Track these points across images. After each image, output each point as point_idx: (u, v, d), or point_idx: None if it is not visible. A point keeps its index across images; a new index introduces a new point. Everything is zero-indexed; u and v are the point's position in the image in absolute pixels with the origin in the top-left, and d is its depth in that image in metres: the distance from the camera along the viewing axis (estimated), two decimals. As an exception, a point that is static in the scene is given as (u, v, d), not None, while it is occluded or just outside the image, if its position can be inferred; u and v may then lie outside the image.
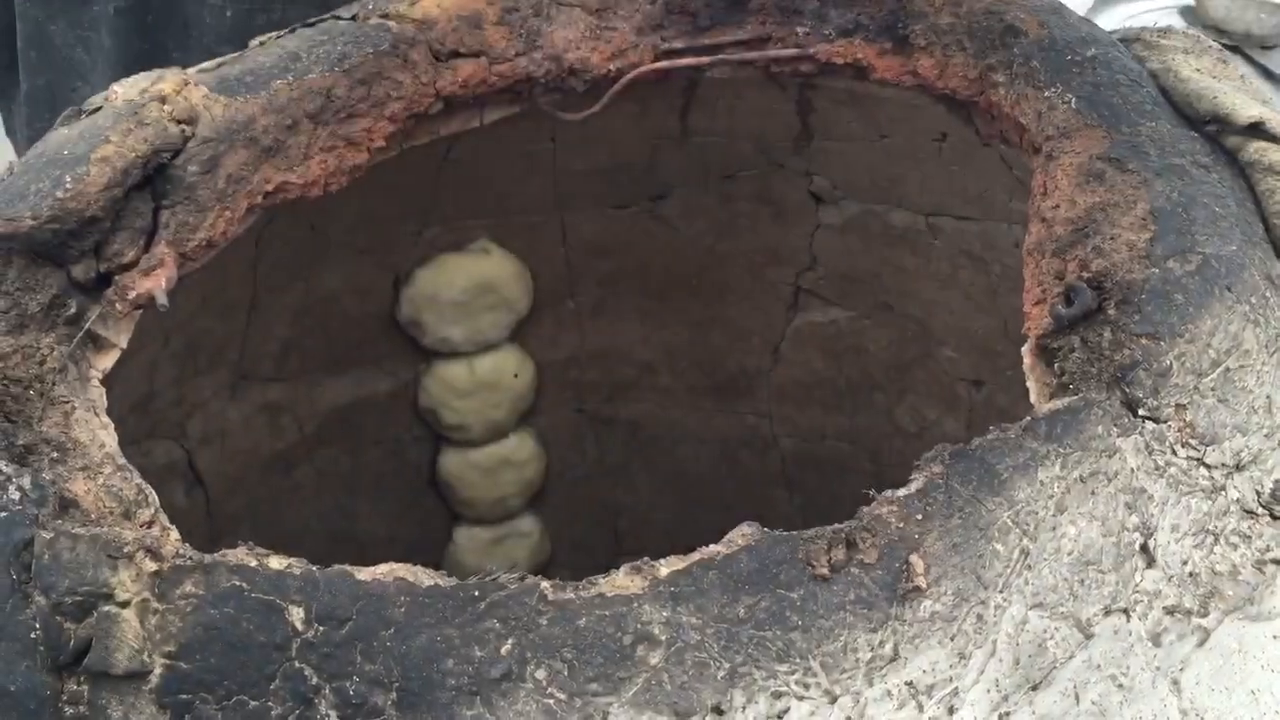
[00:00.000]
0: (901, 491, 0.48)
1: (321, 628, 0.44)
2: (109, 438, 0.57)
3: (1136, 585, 0.49)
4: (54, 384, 0.58)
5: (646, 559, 0.46)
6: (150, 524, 0.52)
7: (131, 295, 0.63)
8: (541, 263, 1.10)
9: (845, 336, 1.13)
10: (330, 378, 1.09)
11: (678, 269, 1.13)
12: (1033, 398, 0.59)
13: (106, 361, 0.64)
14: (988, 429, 1.11)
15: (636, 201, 1.07)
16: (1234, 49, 1.49)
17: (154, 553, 0.46)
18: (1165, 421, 0.52)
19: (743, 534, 0.47)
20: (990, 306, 1.03)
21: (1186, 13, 1.58)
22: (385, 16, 0.79)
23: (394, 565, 0.46)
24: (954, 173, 0.96)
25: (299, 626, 0.44)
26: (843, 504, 1.27)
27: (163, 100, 0.71)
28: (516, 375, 1.13)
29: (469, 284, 1.05)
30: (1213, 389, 0.53)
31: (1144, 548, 0.50)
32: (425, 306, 1.06)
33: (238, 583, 0.45)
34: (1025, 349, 0.60)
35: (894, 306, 1.08)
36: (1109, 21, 1.56)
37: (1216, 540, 0.52)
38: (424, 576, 0.46)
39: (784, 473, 1.23)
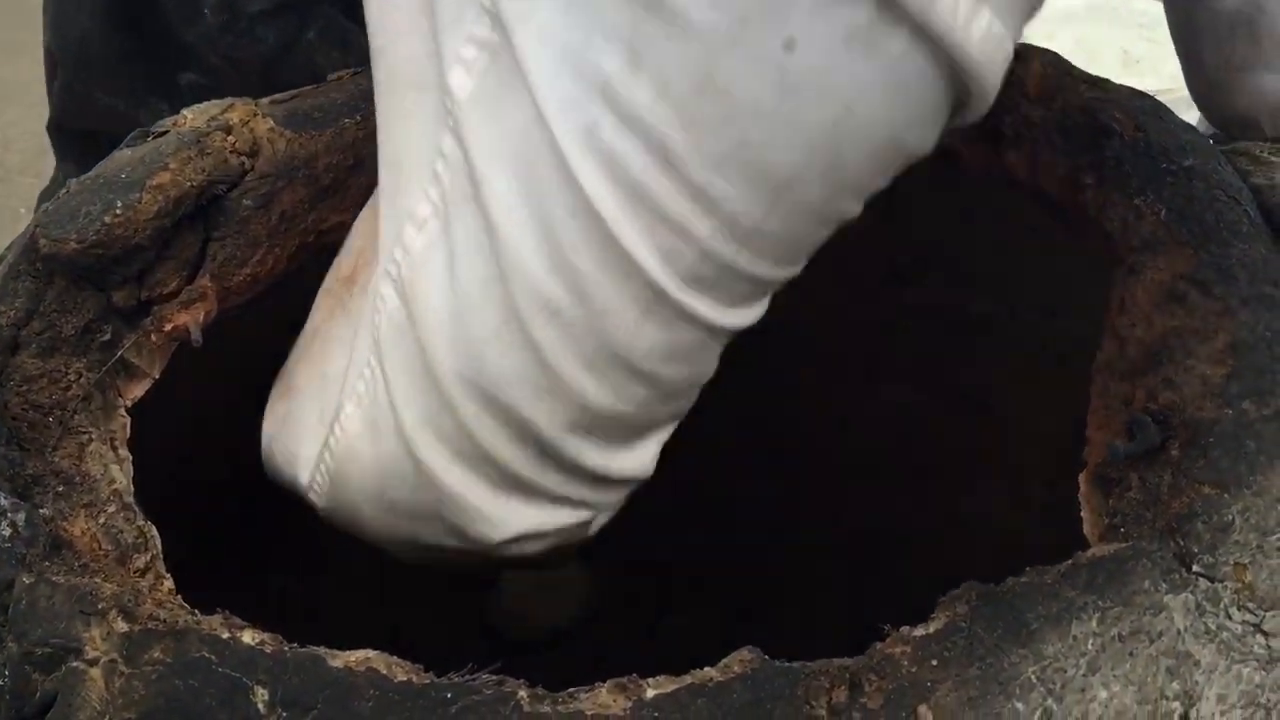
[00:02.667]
0: (918, 630, 0.45)
1: (285, 713, 0.42)
2: (121, 474, 0.56)
3: (1171, 760, 0.45)
4: (75, 412, 0.57)
5: (634, 676, 0.43)
6: (145, 571, 0.50)
7: (167, 327, 0.63)
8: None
9: (915, 418, 1.09)
10: (388, 409, 1.08)
11: (747, 333, 1.10)
12: (1086, 528, 0.55)
13: (138, 390, 0.64)
14: (1054, 529, 1.06)
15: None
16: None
17: (127, 612, 0.44)
18: (1221, 580, 0.47)
19: (741, 659, 0.44)
20: (1069, 404, 0.98)
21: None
22: (462, 61, 0.77)
23: (369, 654, 0.44)
24: (1041, 265, 0.91)
25: (261, 709, 0.42)
26: (896, 587, 1.23)
27: (228, 130, 0.70)
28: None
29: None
30: (1279, 549, 0.48)
31: (1184, 718, 0.45)
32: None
33: (206, 654, 0.43)
34: (1083, 475, 0.56)
35: (968, 394, 1.04)
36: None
37: (1268, 715, 0.47)
38: (398, 670, 0.43)
39: (841, 547, 1.19)
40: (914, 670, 0.43)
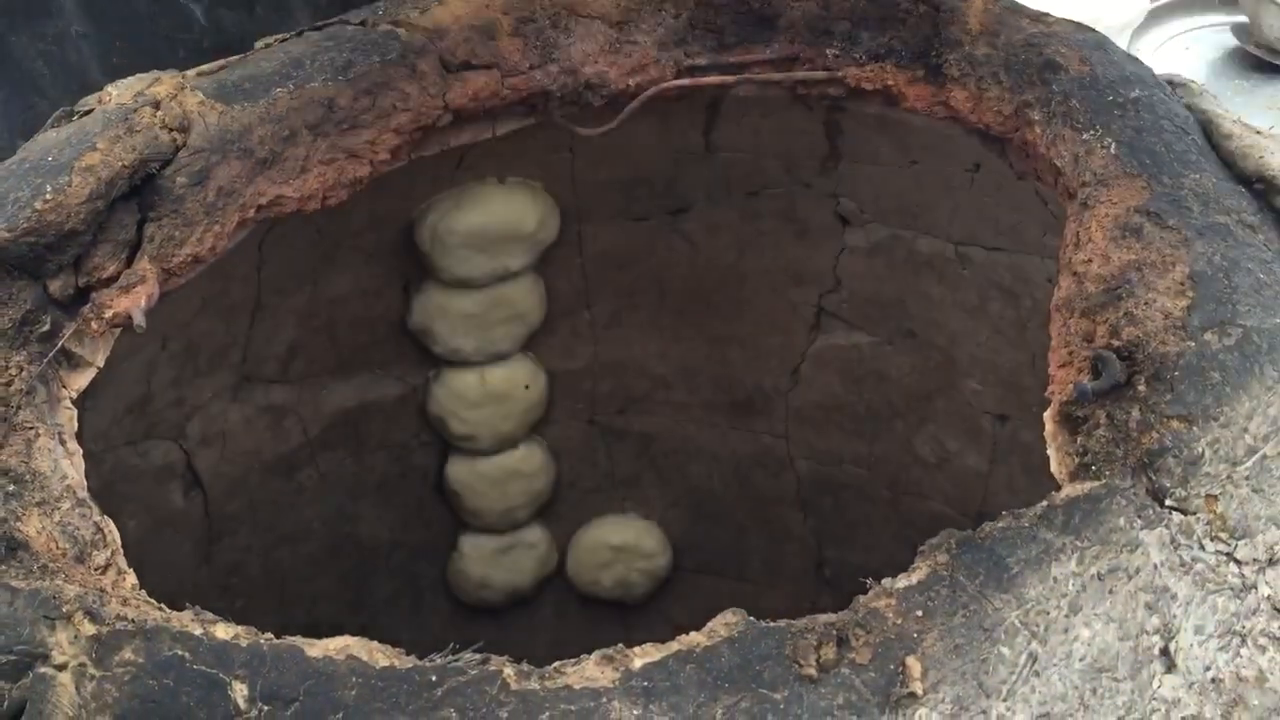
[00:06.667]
0: (901, 582, 0.45)
1: (266, 707, 0.41)
2: (72, 468, 0.54)
3: (1154, 693, 0.45)
4: (19, 408, 0.55)
5: (620, 646, 0.43)
6: (106, 568, 0.49)
7: (108, 314, 0.60)
8: (557, 273, 1.06)
9: (867, 361, 1.09)
10: (336, 381, 1.06)
11: (696, 284, 1.09)
12: (1053, 467, 0.55)
13: (81, 381, 0.61)
14: (1009, 463, 1.06)
15: (656, 214, 1.04)
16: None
17: (93, 614, 0.43)
18: (1194, 513, 0.48)
19: (726, 622, 0.43)
20: (1019, 340, 0.99)
21: (1240, 31, 1.52)
22: (395, 23, 0.75)
23: (349, 640, 0.43)
24: (986, 203, 0.91)
25: (241, 704, 0.41)
26: (857, 529, 1.22)
27: (156, 105, 0.68)
28: (528, 387, 1.10)
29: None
30: (1247, 478, 0.49)
31: (1164, 651, 0.46)
32: (437, 315, 1.03)
33: (180, 652, 0.42)
34: (1048, 414, 0.56)
35: (918, 334, 1.05)
36: (1158, 37, 1.50)
37: (1244, 642, 0.48)
38: (379, 655, 0.42)
39: (799, 494, 1.20)
40: (899, 622, 0.43)
